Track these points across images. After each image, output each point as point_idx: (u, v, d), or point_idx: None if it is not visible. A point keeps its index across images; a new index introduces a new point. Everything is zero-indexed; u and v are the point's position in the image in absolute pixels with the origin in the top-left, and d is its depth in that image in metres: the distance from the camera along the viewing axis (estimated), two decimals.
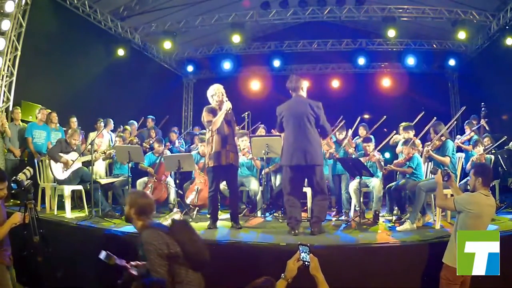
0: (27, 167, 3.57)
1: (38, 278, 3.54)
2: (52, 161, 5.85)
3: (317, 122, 4.66)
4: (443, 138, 5.25)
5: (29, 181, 3.51)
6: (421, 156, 5.56)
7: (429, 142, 5.47)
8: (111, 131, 7.77)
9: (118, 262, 2.78)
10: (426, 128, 5.73)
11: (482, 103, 7.43)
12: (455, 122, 10.48)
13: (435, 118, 5.79)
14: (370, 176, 5.44)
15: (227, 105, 4.92)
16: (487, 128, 7.36)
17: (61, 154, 5.85)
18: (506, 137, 6.49)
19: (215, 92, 5.04)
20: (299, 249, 2.50)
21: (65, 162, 5.80)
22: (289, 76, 4.93)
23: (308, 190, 5.56)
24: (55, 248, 4.33)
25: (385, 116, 6.51)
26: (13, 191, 4.01)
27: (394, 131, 6.49)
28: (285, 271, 2.46)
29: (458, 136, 7.65)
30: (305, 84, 4.86)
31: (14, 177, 3.54)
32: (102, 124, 7.55)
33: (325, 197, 4.75)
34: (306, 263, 2.45)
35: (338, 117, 6.57)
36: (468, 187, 3.84)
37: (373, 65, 11.62)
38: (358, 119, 6.61)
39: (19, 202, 3.28)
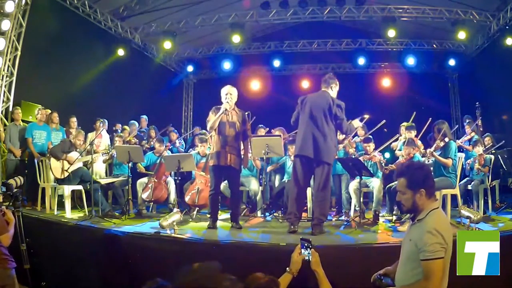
0: (18, 176, 3.55)
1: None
2: (52, 162, 5.86)
3: (336, 120, 4.68)
4: (446, 139, 5.23)
5: (18, 189, 3.49)
6: (422, 156, 5.56)
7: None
8: (106, 131, 7.67)
9: None
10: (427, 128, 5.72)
11: (477, 103, 7.40)
12: (455, 121, 10.34)
13: (430, 119, 5.77)
14: (370, 176, 5.44)
15: (223, 106, 4.97)
16: (481, 129, 7.30)
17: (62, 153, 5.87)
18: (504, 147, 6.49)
19: (222, 93, 5.08)
20: (300, 244, 2.50)
21: (70, 159, 5.81)
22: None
23: (308, 190, 5.56)
24: (55, 248, 4.34)
25: (384, 120, 6.39)
26: (1, 193, 4.00)
27: (397, 135, 6.40)
28: (290, 264, 2.45)
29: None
30: (336, 84, 4.92)
31: (5, 180, 3.53)
32: (101, 124, 7.54)
33: (326, 197, 4.68)
34: (307, 257, 2.45)
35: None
36: (405, 202, 2.54)
37: (373, 65, 11.60)
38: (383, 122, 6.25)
39: (7, 204, 3.31)
